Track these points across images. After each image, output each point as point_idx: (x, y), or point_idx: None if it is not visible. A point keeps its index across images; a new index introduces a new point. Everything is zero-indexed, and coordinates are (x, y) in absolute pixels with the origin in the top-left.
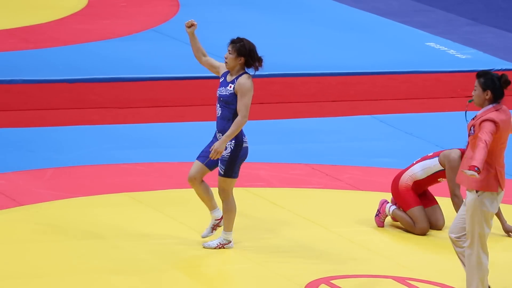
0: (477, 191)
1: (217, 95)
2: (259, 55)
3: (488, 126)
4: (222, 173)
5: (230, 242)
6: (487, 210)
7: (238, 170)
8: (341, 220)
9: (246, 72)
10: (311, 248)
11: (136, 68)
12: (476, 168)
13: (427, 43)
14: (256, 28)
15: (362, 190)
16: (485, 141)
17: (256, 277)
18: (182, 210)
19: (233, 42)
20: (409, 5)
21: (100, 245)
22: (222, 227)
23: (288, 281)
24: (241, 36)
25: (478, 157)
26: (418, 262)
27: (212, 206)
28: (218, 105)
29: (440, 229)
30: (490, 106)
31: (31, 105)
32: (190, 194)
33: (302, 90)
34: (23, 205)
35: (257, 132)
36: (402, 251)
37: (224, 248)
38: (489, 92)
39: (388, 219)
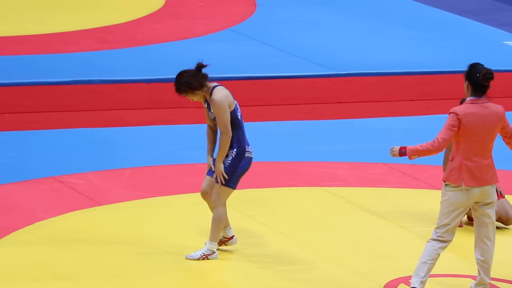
0: (445, 182)
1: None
2: (193, 68)
3: (448, 120)
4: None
5: (214, 252)
6: (448, 202)
7: (237, 181)
8: (420, 220)
9: (214, 87)
10: (389, 247)
11: (213, 68)
12: (403, 151)
13: (505, 42)
14: (333, 27)
15: (441, 189)
16: (438, 139)
17: (334, 276)
18: (260, 209)
19: (176, 91)
20: (487, 3)
21: (178, 244)
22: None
23: (367, 280)
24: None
25: (418, 145)
26: (500, 263)
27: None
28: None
29: None
30: (469, 98)
31: (109, 105)
32: (268, 194)
33: (379, 89)
34: (102, 205)
35: (335, 132)
36: None
37: (208, 259)
38: (467, 83)
39: (464, 218)
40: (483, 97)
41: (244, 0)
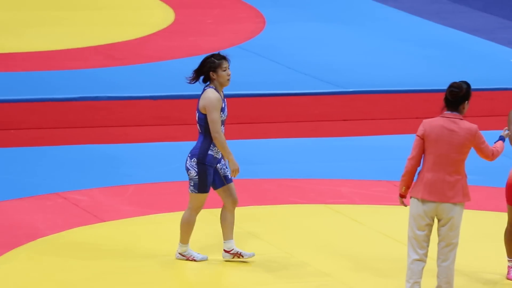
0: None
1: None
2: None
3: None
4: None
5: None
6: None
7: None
8: None
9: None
10: (390, 264)
11: None
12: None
13: None
14: (340, 44)
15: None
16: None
17: None
18: (262, 226)
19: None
20: (495, 21)
21: (180, 261)
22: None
23: None
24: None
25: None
26: None
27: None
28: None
29: None
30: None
31: (115, 121)
32: (271, 211)
33: (385, 107)
34: (104, 221)
35: (339, 149)
36: None
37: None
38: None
39: None
40: (455, 113)
41: (254, 17)
